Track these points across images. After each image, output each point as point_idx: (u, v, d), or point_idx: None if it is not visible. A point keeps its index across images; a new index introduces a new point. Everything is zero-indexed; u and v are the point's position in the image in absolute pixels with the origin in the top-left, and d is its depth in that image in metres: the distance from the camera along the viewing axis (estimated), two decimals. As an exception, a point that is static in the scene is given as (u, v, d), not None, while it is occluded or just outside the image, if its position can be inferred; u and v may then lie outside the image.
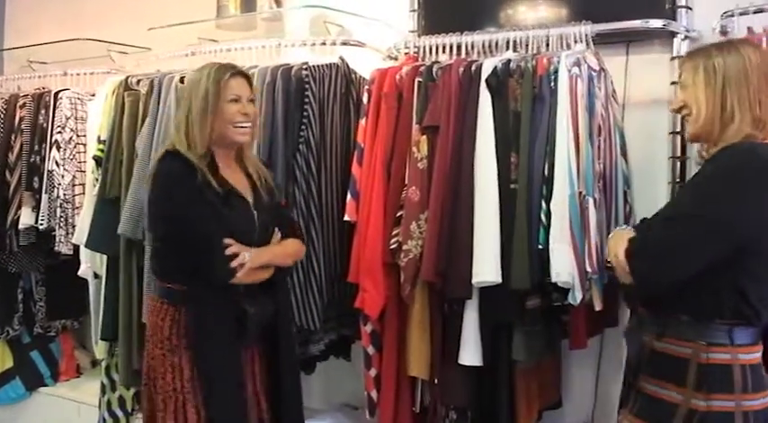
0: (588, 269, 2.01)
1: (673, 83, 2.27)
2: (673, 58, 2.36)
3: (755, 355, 1.58)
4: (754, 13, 2.11)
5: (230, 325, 2.01)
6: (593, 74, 2.15)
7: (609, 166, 2.23)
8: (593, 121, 2.14)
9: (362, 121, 2.39)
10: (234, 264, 1.95)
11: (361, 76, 2.60)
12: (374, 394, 2.40)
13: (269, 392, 2.18)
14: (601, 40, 2.34)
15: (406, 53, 2.52)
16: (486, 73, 2.19)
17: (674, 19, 2.36)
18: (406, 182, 2.26)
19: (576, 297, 2.02)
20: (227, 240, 1.97)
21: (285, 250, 2.16)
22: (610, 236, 1.78)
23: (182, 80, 2.66)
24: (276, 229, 2.16)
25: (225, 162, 2.11)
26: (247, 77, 2.13)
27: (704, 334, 1.56)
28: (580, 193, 2.04)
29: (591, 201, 2.05)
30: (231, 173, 2.12)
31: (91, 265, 2.92)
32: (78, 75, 3.25)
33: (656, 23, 2.30)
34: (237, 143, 2.12)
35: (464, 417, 2.33)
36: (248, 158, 2.19)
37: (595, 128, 2.14)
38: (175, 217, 1.99)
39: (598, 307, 2.11)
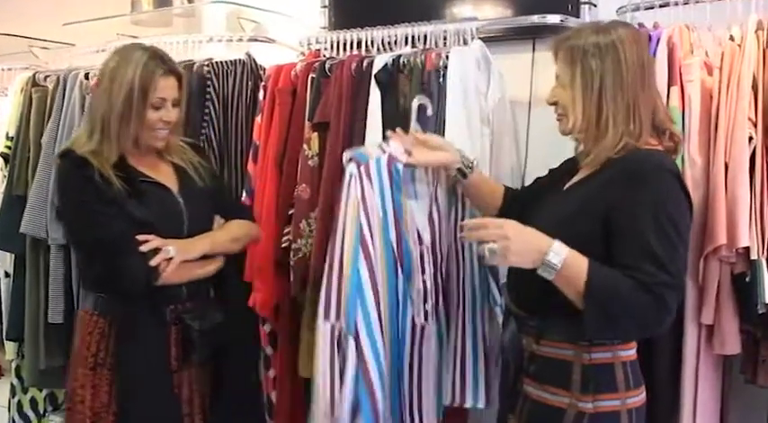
0: None
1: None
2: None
3: (632, 352, 1.54)
4: (646, 9, 2.08)
5: (161, 342, 1.79)
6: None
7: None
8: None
9: (258, 118, 2.35)
10: (155, 261, 1.69)
11: (271, 72, 2.55)
12: (273, 396, 2.36)
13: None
14: (507, 36, 2.31)
15: (309, 49, 2.48)
16: (376, 69, 2.15)
17: (578, 15, 2.32)
18: (298, 179, 2.22)
19: None
20: (144, 236, 1.71)
21: (229, 234, 1.89)
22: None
23: (86, 76, 2.63)
24: (218, 217, 1.93)
25: (137, 153, 1.85)
26: (178, 76, 1.83)
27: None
28: None
29: None
30: (145, 162, 1.86)
31: (1, 263, 2.88)
32: (-3, 71, 3.21)
33: (554, 19, 2.25)
34: (153, 147, 1.87)
35: (356, 418, 2.29)
36: (170, 147, 1.91)
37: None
38: (78, 224, 1.78)
39: None
